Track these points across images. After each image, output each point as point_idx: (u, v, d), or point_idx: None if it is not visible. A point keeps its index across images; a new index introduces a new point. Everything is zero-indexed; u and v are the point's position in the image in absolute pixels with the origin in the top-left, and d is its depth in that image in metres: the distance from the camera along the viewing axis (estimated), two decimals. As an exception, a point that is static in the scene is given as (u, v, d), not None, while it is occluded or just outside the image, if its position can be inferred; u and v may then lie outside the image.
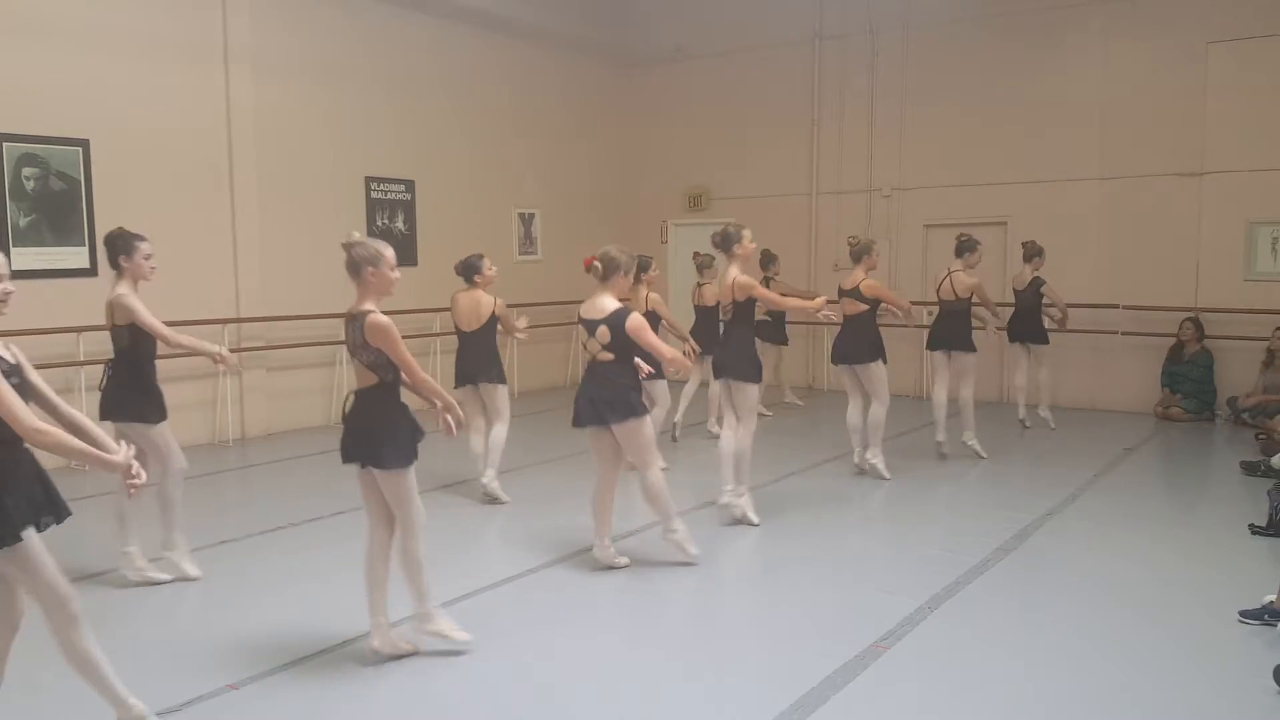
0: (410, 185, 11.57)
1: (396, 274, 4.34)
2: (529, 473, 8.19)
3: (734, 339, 6.63)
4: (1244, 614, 4.83)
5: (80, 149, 8.61)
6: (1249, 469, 7.97)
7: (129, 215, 8.65)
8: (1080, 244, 11.31)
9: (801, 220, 13.18)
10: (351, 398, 4.39)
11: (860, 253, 7.93)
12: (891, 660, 4.44)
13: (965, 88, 11.98)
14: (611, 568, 5.70)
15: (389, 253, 4.34)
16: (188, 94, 9.38)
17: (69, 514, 3.45)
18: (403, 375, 4.31)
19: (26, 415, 3.18)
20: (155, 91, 9.11)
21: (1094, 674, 4.29)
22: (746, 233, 6.60)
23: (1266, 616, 4.75)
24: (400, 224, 11.48)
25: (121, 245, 5.29)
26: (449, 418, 4.43)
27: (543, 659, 4.49)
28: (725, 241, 6.59)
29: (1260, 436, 8.97)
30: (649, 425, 5.58)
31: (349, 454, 4.38)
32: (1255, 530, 6.30)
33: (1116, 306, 11.04)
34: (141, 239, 5.34)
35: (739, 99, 13.56)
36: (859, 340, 7.81)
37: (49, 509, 3.38)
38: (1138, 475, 8.31)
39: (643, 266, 7.92)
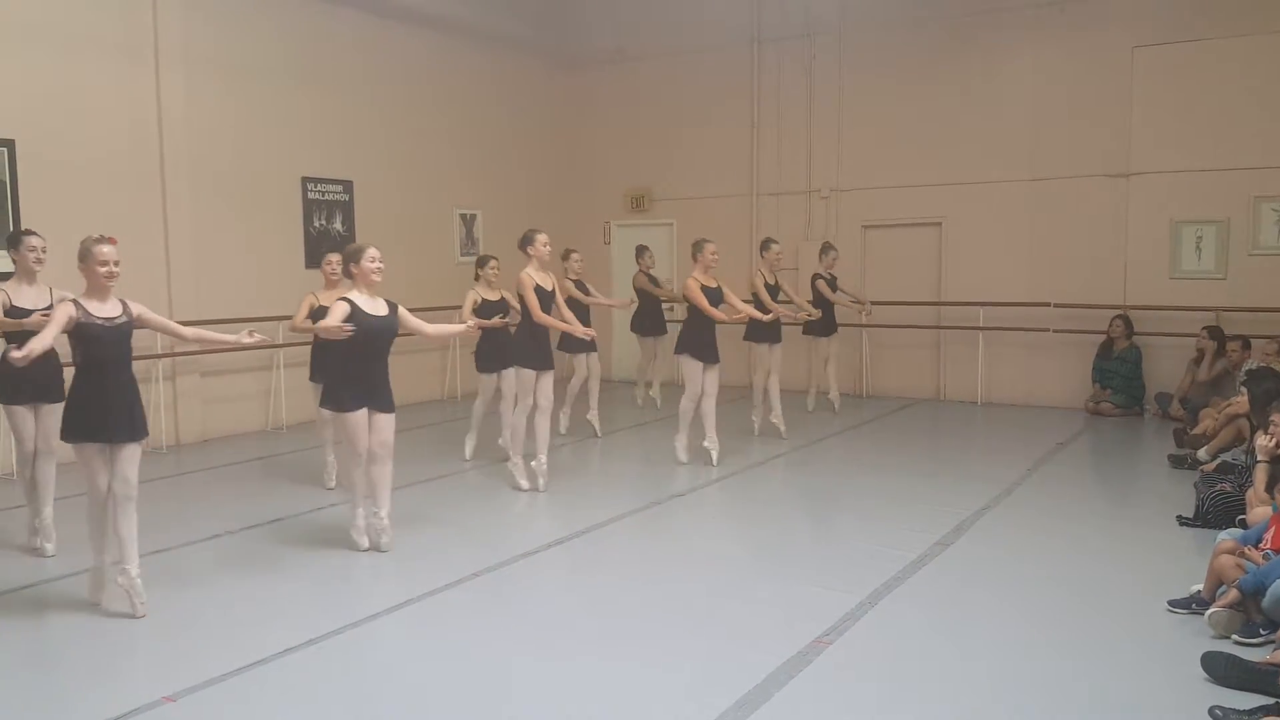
0: (349, 186, 11.41)
1: (107, 269, 4.82)
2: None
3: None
4: (1173, 603, 4.97)
5: (5, 149, 8.36)
6: (1176, 462, 8.19)
7: (56, 216, 8.46)
8: (1012, 244, 11.55)
9: (742, 221, 13.26)
10: None
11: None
12: (833, 656, 4.48)
13: (900, 90, 12.16)
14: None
15: (97, 250, 4.81)
16: (118, 93, 9.15)
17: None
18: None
19: None
20: (83, 90, 8.88)
21: (1030, 663, 4.38)
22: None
23: (1194, 605, 4.89)
24: (339, 225, 11.31)
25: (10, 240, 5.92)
26: None
27: (487, 657, 4.46)
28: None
29: (1179, 430, 9.12)
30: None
31: None
32: (1183, 522, 6.48)
33: (1048, 305, 11.29)
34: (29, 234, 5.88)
35: (679, 100, 13.62)
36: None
37: None
38: (1070, 469, 8.51)
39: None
